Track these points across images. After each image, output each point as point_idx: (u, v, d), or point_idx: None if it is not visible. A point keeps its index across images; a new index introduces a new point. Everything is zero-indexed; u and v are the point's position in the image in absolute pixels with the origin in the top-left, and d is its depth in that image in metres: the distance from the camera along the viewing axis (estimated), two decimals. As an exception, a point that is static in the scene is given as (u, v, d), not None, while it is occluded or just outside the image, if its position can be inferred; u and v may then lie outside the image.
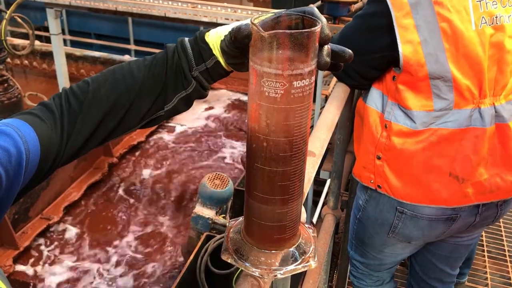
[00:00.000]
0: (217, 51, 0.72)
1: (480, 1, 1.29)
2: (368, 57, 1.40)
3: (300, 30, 0.54)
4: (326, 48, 0.60)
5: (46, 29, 6.30)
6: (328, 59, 0.60)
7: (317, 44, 0.57)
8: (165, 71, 0.74)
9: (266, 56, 0.55)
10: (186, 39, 0.75)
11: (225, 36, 0.70)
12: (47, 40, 6.76)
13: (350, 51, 0.64)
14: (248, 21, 0.60)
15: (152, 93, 0.74)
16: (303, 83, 0.56)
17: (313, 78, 0.58)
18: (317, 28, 0.56)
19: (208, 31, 0.74)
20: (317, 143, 1.17)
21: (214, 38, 0.72)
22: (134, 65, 0.75)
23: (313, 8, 0.60)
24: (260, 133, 0.59)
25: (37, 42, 5.64)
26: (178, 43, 0.75)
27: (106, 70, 0.76)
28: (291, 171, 0.62)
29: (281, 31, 0.54)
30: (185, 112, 0.81)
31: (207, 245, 2.21)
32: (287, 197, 0.64)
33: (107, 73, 0.75)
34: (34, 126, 0.66)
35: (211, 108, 5.88)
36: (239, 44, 0.64)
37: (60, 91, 0.74)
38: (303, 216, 0.76)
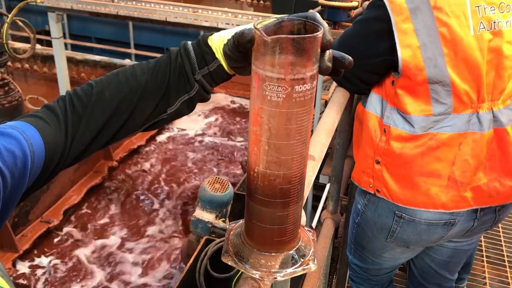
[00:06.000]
0: (220, 55, 0.73)
1: (478, 6, 1.30)
2: (368, 61, 1.41)
3: (302, 35, 0.55)
4: (328, 53, 0.61)
5: (47, 33, 6.32)
6: (329, 64, 0.61)
7: (319, 49, 0.58)
8: (168, 74, 0.74)
9: (268, 61, 0.56)
10: (189, 42, 0.76)
11: (228, 40, 0.70)
12: (48, 44, 6.79)
13: (350, 57, 0.65)
14: (251, 25, 0.61)
15: (155, 96, 0.74)
16: (304, 87, 0.57)
17: (315, 82, 0.59)
18: (319, 34, 0.56)
19: (211, 35, 0.75)
20: (317, 147, 1.18)
21: (217, 42, 0.73)
22: (137, 68, 0.75)
23: (315, 13, 0.61)
24: (262, 136, 0.60)
25: (38, 46, 5.65)
26: (181, 47, 0.75)
27: (110, 73, 0.76)
28: (292, 174, 0.62)
29: (283, 36, 0.55)
30: (186, 115, 0.81)
31: (206, 248, 2.22)
32: (287, 200, 0.64)
33: (111, 76, 0.75)
34: (39, 128, 0.66)
35: (211, 112, 5.89)
36: (242, 49, 0.65)
37: (61, 94, 0.75)
38: (303, 219, 0.76)
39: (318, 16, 0.60)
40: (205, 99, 0.78)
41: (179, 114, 0.78)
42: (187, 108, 0.78)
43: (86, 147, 0.72)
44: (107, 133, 0.74)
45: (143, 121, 0.76)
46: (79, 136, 0.71)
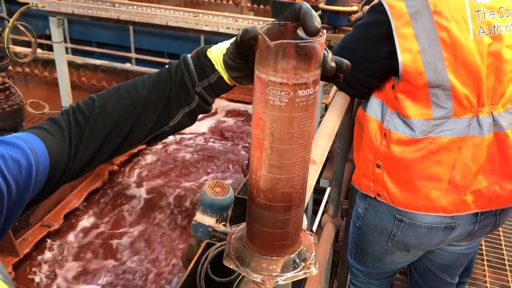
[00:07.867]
0: (219, 66, 0.74)
1: (478, 11, 1.31)
2: (368, 65, 1.42)
3: (305, 40, 0.56)
4: (330, 53, 0.61)
5: (48, 37, 6.34)
6: (333, 64, 0.61)
7: (322, 53, 0.58)
8: (168, 87, 0.75)
9: (271, 65, 0.56)
10: (189, 55, 0.77)
11: (228, 49, 0.71)
12: (49, 48, 6.81)
13: (347, 62, 0.65)
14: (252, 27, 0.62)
15: (156, 109, 0.75)
16: (307, 92, 0.57)
17: (318, 87, 0.59)
18: (322, 39, 0.57)
19: (210, 47, 0.76)
20: (318, 151, 1.18)
21: (216, 54, 0.74)
22: (139, 82, 0.76)
23: (301, 4, 0.59)
24: (264, 140, 0.60)
25: (38, 50, 5.66)
26: (180, 60, 0.76)
27: (112, 87, 0.77)
28: (294, 178, 0.62)
29: (286, 41, 0.55)
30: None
31: (207, 252, 2.21)
32: (289, 204, 0.65)
33: (112, 89, 0.76)
34: (44, 139, 0.67)
35: (212, 117, 5.90)
36: (245, 47, 0.65)
37: (61, 98, 0.76)
38: (304, 223, 0.77)
39: (304, 6, 0.58)
40: (206, 110, 0.79)
41: (181, 126, 0.79)
42: (189, 120, 0.79)
43: (89, 159, 0.73)
44: (109, 145, 0.74)
45: (145, 133, 0.77)
46: (82, 148, 0.72)
